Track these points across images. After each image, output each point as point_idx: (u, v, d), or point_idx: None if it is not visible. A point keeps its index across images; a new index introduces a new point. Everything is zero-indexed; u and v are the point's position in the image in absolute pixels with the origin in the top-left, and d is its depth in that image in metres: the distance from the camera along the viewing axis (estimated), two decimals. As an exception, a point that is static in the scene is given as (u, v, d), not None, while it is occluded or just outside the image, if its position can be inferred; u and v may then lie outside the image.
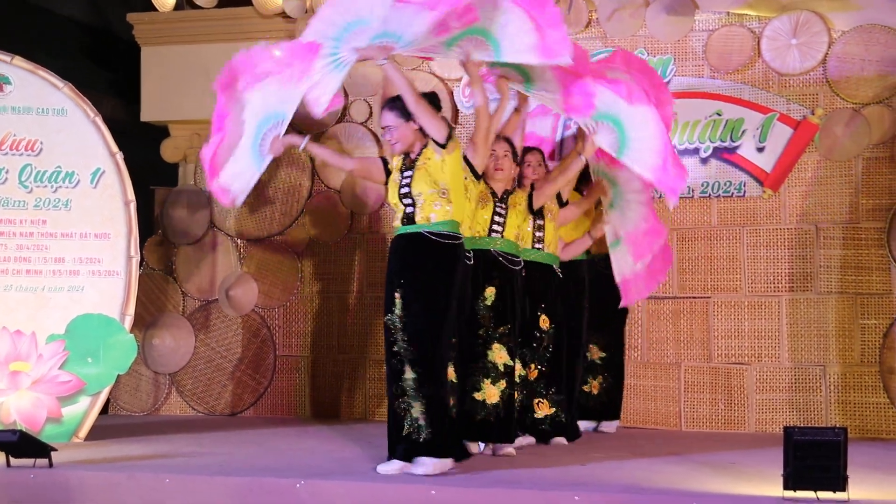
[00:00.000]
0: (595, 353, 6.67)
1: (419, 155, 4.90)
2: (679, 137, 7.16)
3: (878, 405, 6.73)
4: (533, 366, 5.82)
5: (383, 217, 7.64)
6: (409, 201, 4.85)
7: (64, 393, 5.95)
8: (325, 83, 4.88)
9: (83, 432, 6.04)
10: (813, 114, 6.96)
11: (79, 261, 6.10)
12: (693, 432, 6.93)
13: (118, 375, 6.22)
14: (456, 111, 7.59)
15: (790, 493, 3.94)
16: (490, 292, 5.42)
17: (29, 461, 4.80)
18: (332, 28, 4.86)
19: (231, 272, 7.87)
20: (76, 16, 8.95)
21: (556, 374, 5.89)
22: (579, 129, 5.93)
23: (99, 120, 6.23)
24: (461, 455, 4.84)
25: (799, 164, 7.00)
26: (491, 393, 5.35)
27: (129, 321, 6.12)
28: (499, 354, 5.44)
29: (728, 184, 7.08)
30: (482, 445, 5.41)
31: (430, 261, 4.77)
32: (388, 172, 4.96)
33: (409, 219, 4.85)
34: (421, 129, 4.88)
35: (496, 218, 5.52)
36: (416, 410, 4.65)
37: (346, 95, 7.79)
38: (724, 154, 7.12)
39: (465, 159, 5.12)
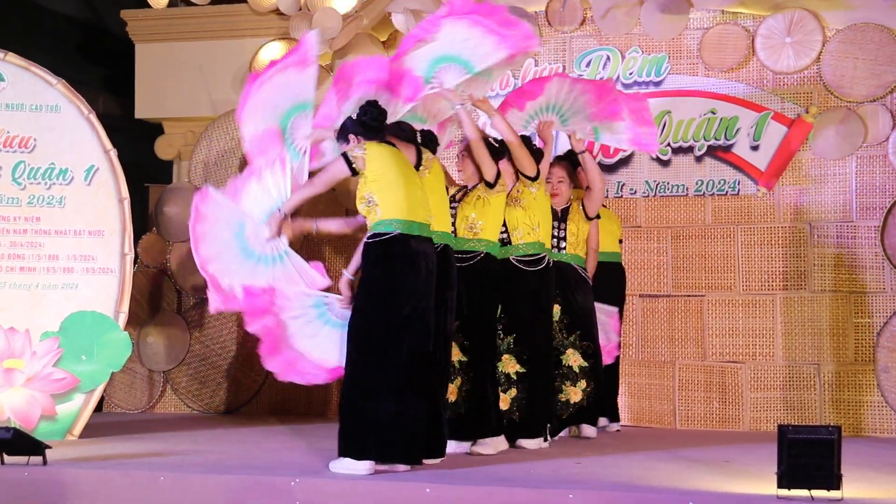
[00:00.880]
0: (575, 360, 6.16)
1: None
2: (674, 136, 7.17)
3: (872, 403, 6.74)
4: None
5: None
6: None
7: (58, 390, 5.94)
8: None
9: (77, 430, 6.02)
10: (807, 112, 6.97)
11: (73, 258, 6.08)
12: (687, 430, 6.94)
13: (112, 373, 6.21)
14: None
15: (784, 492, 3.94)
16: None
17: (23, 459, 4.79)
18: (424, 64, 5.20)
19: (225, 270, 7.85)
20: (70, 12, 8.93)
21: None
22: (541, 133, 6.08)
23: (93, 117, 6.21)
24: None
25: (793, 162, 7.01)
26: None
27: (123, 319, 6.11)
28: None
29: (722, 182, 7.09)
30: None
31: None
32: (349, 163, 4.77)
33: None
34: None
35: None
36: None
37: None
38: (719, 152, 7.13)
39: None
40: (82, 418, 6.04)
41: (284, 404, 7.74)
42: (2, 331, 5.92)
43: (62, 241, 6.09)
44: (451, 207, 5.41)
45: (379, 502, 4.28)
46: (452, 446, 5.20)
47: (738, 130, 7.07)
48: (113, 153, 6.20)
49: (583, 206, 6.17)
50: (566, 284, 6.04)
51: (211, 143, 7.99)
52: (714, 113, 7.13)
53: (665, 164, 7.17)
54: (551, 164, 6.10)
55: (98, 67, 8.96)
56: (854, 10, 6.94)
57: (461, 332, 5.31)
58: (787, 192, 7.03)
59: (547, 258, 5.72)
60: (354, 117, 4.88)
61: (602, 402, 6.35)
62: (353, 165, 4.75)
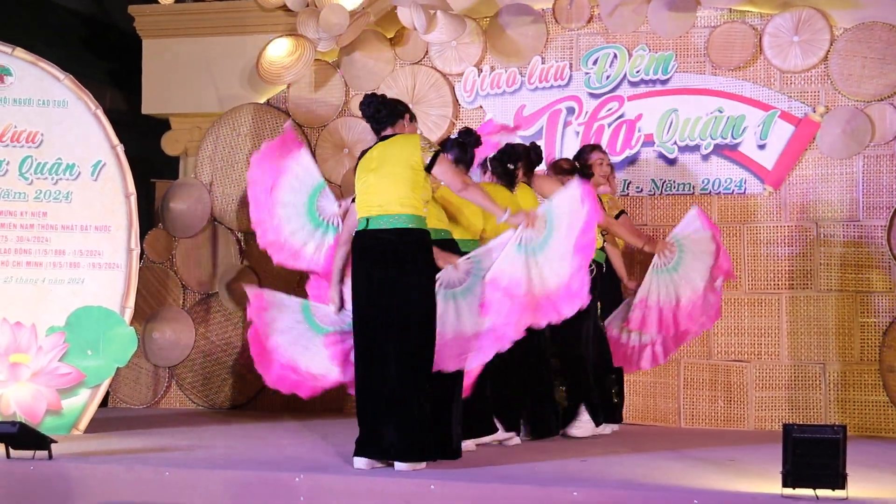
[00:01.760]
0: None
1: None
2: (680, 134, 7.16)
3: (877, 403, 6.73)
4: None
5: (384, 211, 7.63)
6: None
7: (64, 385, 5.95)
8: None
9: (83, 425, 6.04)
10: (814, 111, 6.96)
11: (79, 253, 6.09)
12: (692, 429, 6.93)
13: (118, 368, 6.22)
14: (457, 105, 7.59)
15: (789, 491, 3.94)
16: None
17: (28, 453, 4.81)
18: None
19: (231, 266, 7.86)
20: (78, 7, 8.94)
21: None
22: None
23: (100, 112, 6.22)
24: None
25: (800, 161, 6.99)
26: None
27: (129, 314, 6.12)
28: None
29: (729, 181, 7.08)
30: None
31: None
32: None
33: None
34: None
35: None
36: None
37: (348, 89, 7.79)
38: (725, 151, 7.11)
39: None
40: (88, 413, 6.05)
41: (289, 400, 7.70)
42: (8, 325, 5.93)
43: (69, 236, 6.10)
44: None
45: (383, 499, 4.28)
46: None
47: (744, 129, 7.06)
48: (120, 148, 6.21)
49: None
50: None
51: (217, 139, 7.99)
52: (721, 111, 7.12)
53: (671, 162, 7.16)
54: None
55: (105, 63, 8.97)
56: (862, 8, 6.92)
57: None
58: (794, 192, 7.01)
59: None
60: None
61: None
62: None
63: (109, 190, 6.17)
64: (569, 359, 6.10)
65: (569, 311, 5.03)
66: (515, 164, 5.83)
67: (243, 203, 7.86)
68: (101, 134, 6.19)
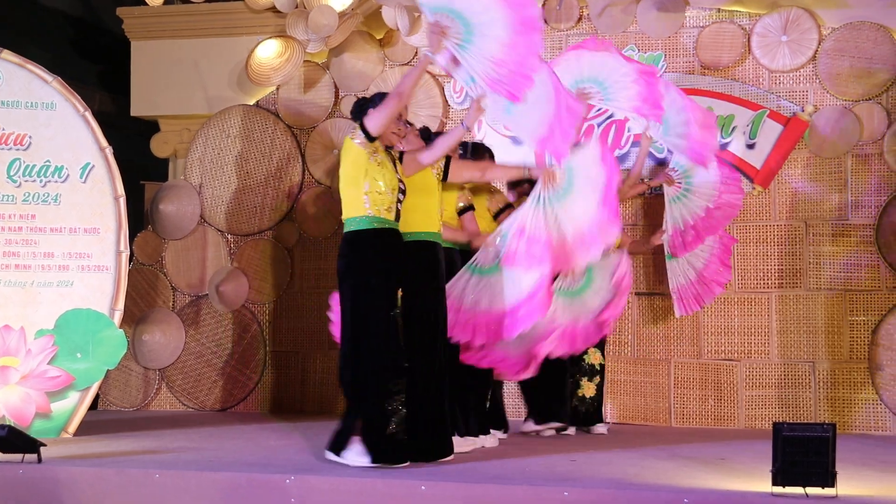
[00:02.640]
0: (596, 358, 6.50)
1: (398, 157, 5.07)
2: (669, 134, 7.17)
3: (866, 401, 6.75)
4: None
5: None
6: (401, 197, 4.94)
7: (53, 388, 5.93)
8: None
9: (72, 427, 6.02)
10: (803, 111, 6.98)
11: (68, 255, 6.07)
12: (682, 428, 6.94)
13: (108, 371, 6.20)
14: (446, 105, 7.59)
15: (779, 489, 3.95)
16: None
17: (17, 456, 4.79)
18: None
19: (221, 268, 7.85)
20: (65, 9, 8.91)
21: None
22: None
23: (88, 114, 6.20)
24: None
25: (789, 160, 7.01)
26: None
27: (118, 316, 6.10)
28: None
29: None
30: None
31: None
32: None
33: (397, 216, 4.92)
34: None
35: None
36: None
37: (337, 91, 7.79)
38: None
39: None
40: (77, 416, 6.03)
41: (279, 402, 7.74)
42: (-3, 328, 5.91)
43: (57, 238, 6.08)
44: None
45: (374, 500, 4.28)
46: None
47: (733, 129, 7.07)
48: (108, 151, 6.20)
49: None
50: None
51: (207, 141, 7.98)
52: (710, 111, 7.12)
53: (661, 162, 7.16)
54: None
55: (94, 65, 8.95)
56: (850, 8, 6.94)
57: None
58: (783, 191, 7.03)
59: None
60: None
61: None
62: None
63: (98, 192, 6.15)
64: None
65: (582, 259, 5.10)
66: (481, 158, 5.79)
67: (233, 204, 7.86)
68: (90, 136, 6.17)
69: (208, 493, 4.45)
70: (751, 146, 7.05)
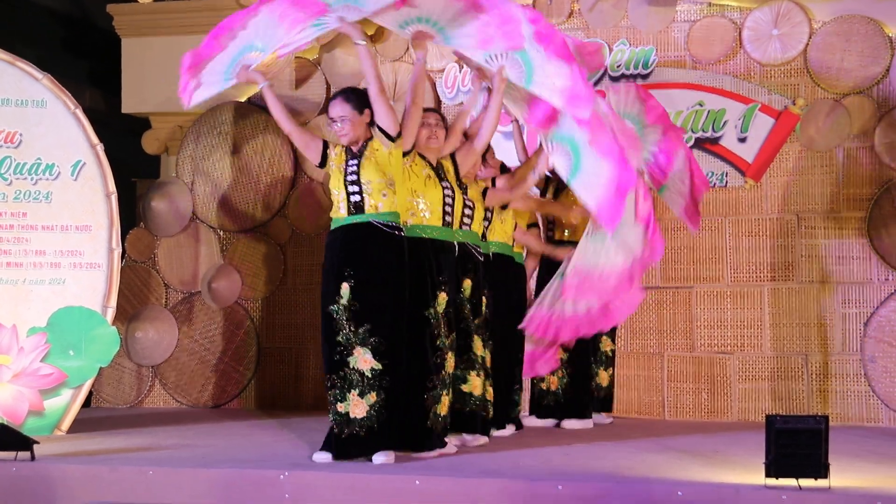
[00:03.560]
0: (607, 345, 6.58)
1: (365, 146, 4.87)
2: (661, 128, 7.17)
3: (859, 393, 6.77)
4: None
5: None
6: (355, 189, 4.80)
7: (46, 386, 5.92)
8: (302, 37, 4.92)
9: (65, 425, 6.01)
10: (794, 104, 6.99)
11: (60, 253, 6.06)
12: (676, 421, 6.96)
13: (101, 368, 6.19)
14: (438, 101, 7.58)
15: (772, 481, 3.96)
16: (467, 284, 5.35)
17: (11, 454, 4.78)
18: None
19: (213, 264, 7.84)
20: (55, 6, 8.88)
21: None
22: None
23: (79, 112, 6.18)
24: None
25: (780, 154, 7.03)
26: (476, 384, 5.36)
27: (111, 314, 6.09)
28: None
29: (710, 174, 7.10)
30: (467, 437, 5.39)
31: (381, 250, 4.77)
32: (325, 157, 4.88)
33: (356, 208, 4.81)
34: (370, 123, 4.88)
35: (466, 211, 5.42)
36: (371, 400, 4.66)
37: (328, 88, 7.78)
38: (706, 144, 7.14)
39: (452, 158, 5.28)
40: (70, 413, 6.02)
41: (273, 398, 7.74)
42: (-11, 326, 5.90)
43: (49, 236, 6.06)
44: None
45: (369, 494, 4.28)
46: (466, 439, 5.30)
47: (725, 123, 7.08)
48: (100, 148, 6.18)
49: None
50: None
51: (198, 138, 7.97)
52: (701, 105, 7.14)
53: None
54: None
55: (84, 62, 8.93)
56: (841, 1, 6.96)
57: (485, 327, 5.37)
58: (775, 184, 7.04)
59: None
60: None
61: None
62: (376, 142, 4.84)
63: (90, 189, 6.13)
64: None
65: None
66: None
67: (225, 201, 7.85)
68: (81, 133, 6.15)
69: (202, 490, 4.45)
70: (742, 140, 7.06)
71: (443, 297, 5.02)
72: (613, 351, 6.64)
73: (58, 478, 4.60)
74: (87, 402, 6.64)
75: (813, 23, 6.97)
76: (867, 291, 6.83)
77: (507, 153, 6.56)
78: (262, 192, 7.84)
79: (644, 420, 7.00)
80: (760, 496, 3.91)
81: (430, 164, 5.17)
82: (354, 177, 4.81)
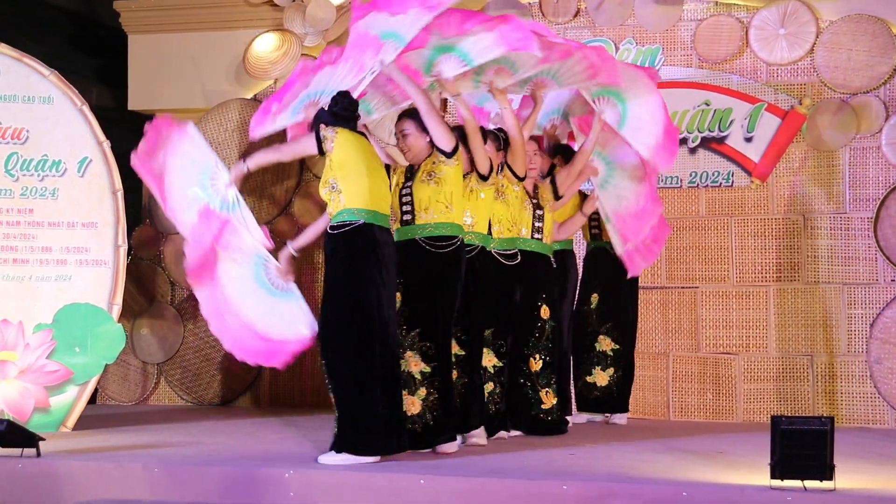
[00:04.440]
0: (607, 345, 6.60)
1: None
2: (668, 127, 7.17)
3: (864, 394, 6.77)
4: (537, 356, 5.82)
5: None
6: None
7: (51, 382, 5.93)
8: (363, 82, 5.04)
9: (71, 422, 6.02)
10: (800, 104, 6.98)
11: (66, 250, 6.07)
12: (681, 422, 6.96)
13: (106, 365, 6.20)
14: (445, 102, 7.56)
15: (777, 482, 3.95)
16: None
17: (16, 451, 4.78)
18: (390, 27, 4.92)
19: (219, 261, 7.84)
20: (63, 3, 8.89)
21: (557, 364, 5.91)
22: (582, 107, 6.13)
23: (86, 108, 6.19)
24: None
25: (787, 154, 7.02)
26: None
27: (116, 311, 6.10)
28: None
29: (716, 174, 7.10)
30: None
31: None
32: (319, 142, 4.79)
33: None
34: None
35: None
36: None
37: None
38: (713, 144, 7.13)
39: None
40: (76, 410, 6.03)
41: (278, 396, 7.74)
42: (-5, 323, 5.91)
43: (55, 232, 6.07)
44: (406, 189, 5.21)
45: (373, 493, 4.28)
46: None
47: (731, 122, 7.08)
48: (106, 144, 6.19)
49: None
50: (545, 280, 5.93)
51: (204, 135, 7.90)
52: (708, 105, 7.14)
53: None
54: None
55: (91, 59, 8.93)
56: (848, 1, 6.94)
57: (458, 325, 5.29)
58: (781, 184, 7.04)
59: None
60: (326, 108, 4.87)
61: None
62: (322, 145, 4.76)
63: (96, 186, 6.14)
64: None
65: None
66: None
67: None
68: (88, 130, 6.16)
69: (207, 488, 4.45)
70: (749, 139, 7.06)
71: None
72: (614, 350, 6.60)
73: (63, 474, 4.61)
74: (92, 399, 6.65)
75: (820, 22, 6.96)
76: (873, 292, 6.82)
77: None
78: (268, 190, 7.84)
79: (649, 420, 6.99)
80: (765, 497, 3.90)
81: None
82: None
